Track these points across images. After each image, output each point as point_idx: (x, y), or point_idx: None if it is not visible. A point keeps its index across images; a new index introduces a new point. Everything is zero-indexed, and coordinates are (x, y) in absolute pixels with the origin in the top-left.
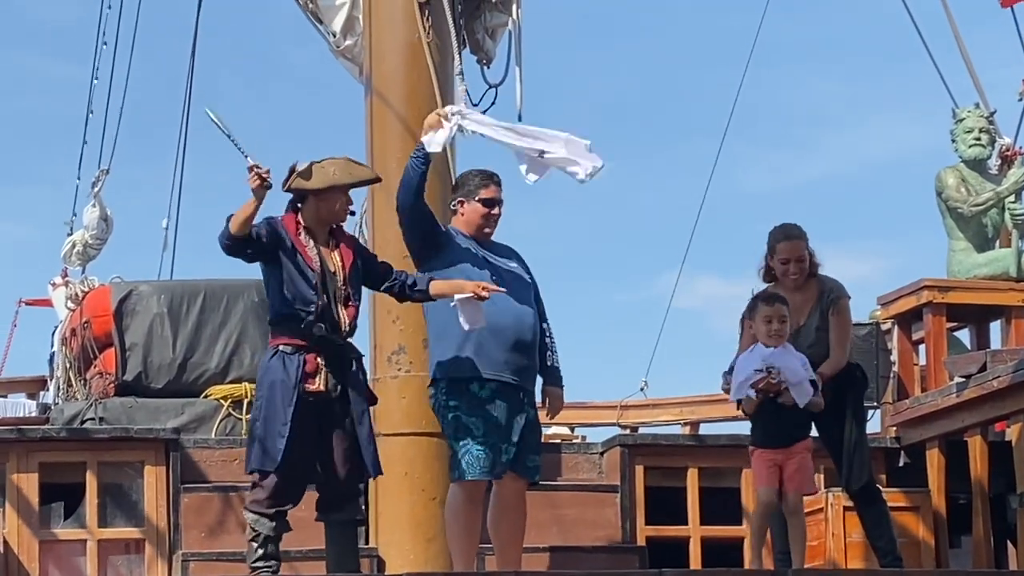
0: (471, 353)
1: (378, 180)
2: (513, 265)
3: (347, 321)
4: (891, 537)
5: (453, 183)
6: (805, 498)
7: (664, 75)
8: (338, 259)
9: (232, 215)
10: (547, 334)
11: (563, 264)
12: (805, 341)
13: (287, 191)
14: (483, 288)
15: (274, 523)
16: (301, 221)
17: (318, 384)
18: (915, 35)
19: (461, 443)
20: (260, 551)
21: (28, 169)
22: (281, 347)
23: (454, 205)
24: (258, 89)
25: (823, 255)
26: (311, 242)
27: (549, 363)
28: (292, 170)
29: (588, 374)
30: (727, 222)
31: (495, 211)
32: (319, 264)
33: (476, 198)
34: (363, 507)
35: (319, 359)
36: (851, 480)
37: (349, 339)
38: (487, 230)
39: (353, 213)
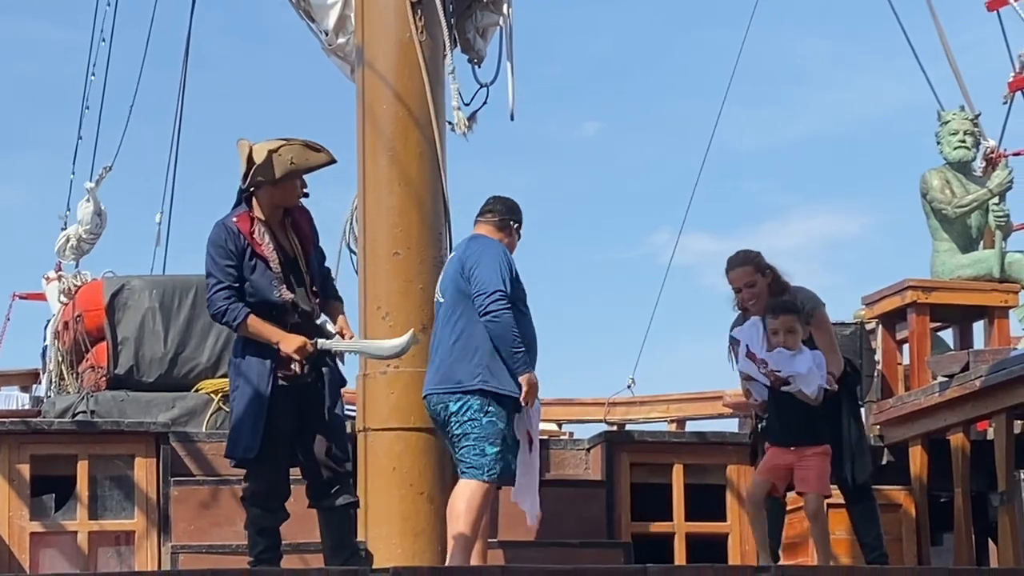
0: (509, 371)
1: (334, 162)
2: None
3: (314, 306)
4: (878, 534)
5: (446, 196)
6: (788, 495)
7: (649, 35)
8: (296, 242)
9: (245, 321)
10: None
11: (553, 222)
12: None
13: (247, 187)
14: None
15: (273, 515)
16: (254, 214)
17: (294, 370)
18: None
19: (494, 448)
20: (263, 543)
21: (27, 134)
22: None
23: (514, 223)
24: (249, 65)
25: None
26: (266, 236)
27: None
28: (249, 158)
29: (576, 370)
30: (717, 180)
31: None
32: (277, 258)
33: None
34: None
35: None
36: (856, 475)
37: (315, 326)
38: (512, 253)
39: (307, 195)
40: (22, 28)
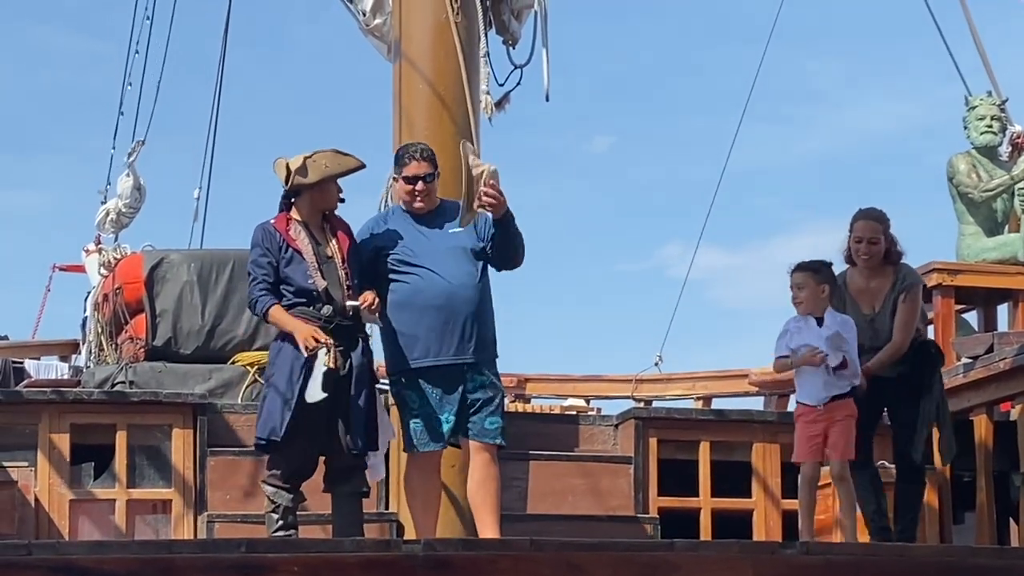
0: (402, 346)
1: (363, 167)
2: (458, 232)
3: (348, 298)
4: (914, 518)
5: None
6: (822, 470)
7: (661, 51)
8: (335, 244)
9: (269, 310)
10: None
11: (566, 234)
12: (882, 329)
13: (289, 190)
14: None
15: (291, 495)
16: (293, 216)
17: (328, 361)
18: (917, 13)
19: (403, 419)
20: (280, 522)
21: (57, 140)
22: None
23: (392, 179)
24: (279, 63)
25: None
26: (302, 234)
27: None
28: (287, 171)
29: (603, 348)
30: (728, 196)
31: (419, 187)
32: (312, 252)
33: (401, 175)
34: (366, 479)
35: (328, 338)
36: (911, 451)
37: (353, 319)
38: (417, 205)
39: (343, 200)
40: (50, 38)
